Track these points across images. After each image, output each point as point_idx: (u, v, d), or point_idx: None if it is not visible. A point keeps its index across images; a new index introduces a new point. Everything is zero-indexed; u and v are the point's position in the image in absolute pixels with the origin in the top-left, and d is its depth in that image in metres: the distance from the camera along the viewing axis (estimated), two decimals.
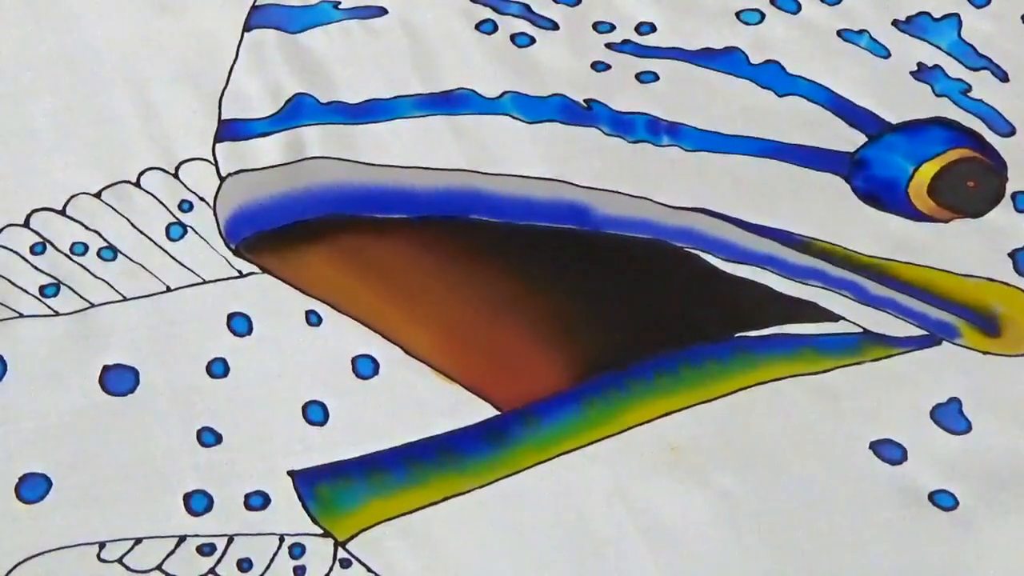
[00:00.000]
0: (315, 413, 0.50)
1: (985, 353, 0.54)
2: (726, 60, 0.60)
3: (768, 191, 0.57)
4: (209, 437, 0.49)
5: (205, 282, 0.53)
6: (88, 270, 0.52)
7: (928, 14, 0.64)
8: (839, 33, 0.59)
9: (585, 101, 0.59)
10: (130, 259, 0.53)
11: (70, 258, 0.53)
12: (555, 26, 0.61)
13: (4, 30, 0.59)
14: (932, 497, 0.51)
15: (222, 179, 0.55)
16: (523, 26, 0.61)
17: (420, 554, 0.47)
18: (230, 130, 0.57)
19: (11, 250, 0.53)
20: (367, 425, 0.50)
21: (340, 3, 0.61)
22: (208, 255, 0.53)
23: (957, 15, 0.65)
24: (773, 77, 0.57)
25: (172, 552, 0.47)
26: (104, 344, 0.51)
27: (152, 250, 0.53)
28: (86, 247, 0.53)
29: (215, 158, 0.56)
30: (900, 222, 0.57)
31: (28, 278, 0.52)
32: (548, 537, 0.48)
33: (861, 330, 0.54)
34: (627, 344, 0.53)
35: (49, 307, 0.51)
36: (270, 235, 0.54)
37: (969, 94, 0.62)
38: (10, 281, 0.52)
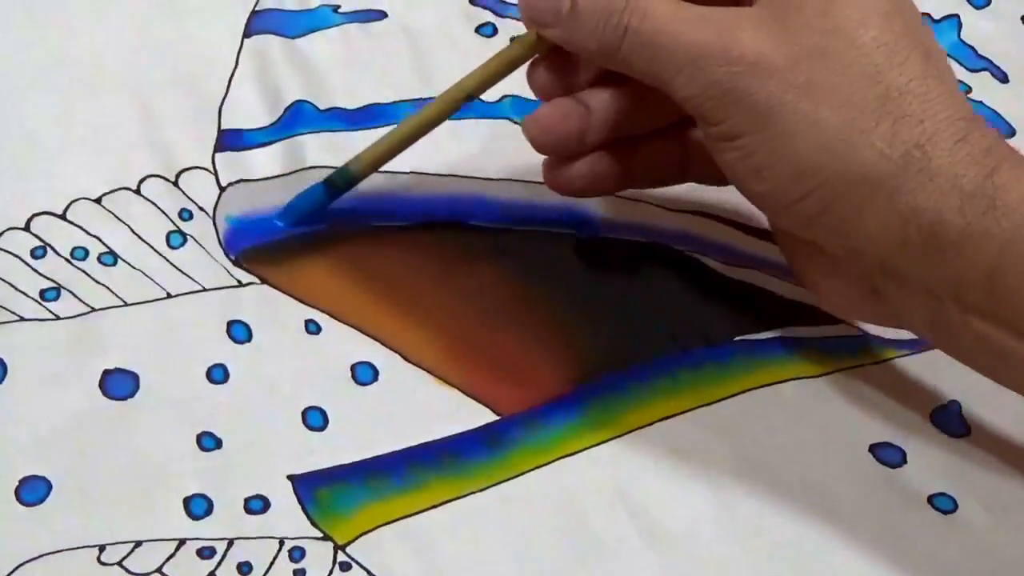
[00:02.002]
0: (314, 419, 0.50)
1: None
2: None
3: None
4: (209, 441, 0.49)
5: (205, 290, 0.53)
6: (89, 275, 0.52)
7: (928, 15, 0.64)
8: None
9: None
10: (131, 265, 0.53)
11: (71, 263, 0.53)
12: None
13: (3, 34, 0.59)
14: (931, 500, 0.51)
15: (222, 189, 0.56)
16: (523, 29, 0.61)
17: (420, 557, 0.47)
18: (229, 140, 0.57)
19: (12, 254, 0.53)
20: (367, 430, 0.50)
21: (340, 7, 0.62)
22: (208, 264, 0.53)
23: (957, 16, 0.65)
24: None
25: (172, 555, 0.47)
26: (104, 348, 0.51)
27: (153, 257, 0.53)
28: (87, 252, 0.53)
29: (215, 168, 0.56)
30: None
31: (29, 282, 0.52)
32: (549, 540, 0.48)
33: (861, 333, 0.54)
34: (627, 348, 0.53)
35: (50, 311, 0.51)
36: (269, 246, 0.54)
37: (969, 95, 0.62)
38: (11, 285, 0.52)
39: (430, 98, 0.58)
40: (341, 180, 0.54)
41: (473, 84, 0.52)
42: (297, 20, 0.61)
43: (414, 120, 0.53)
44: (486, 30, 0.61)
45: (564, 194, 0.53)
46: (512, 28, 0.61)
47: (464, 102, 0.52)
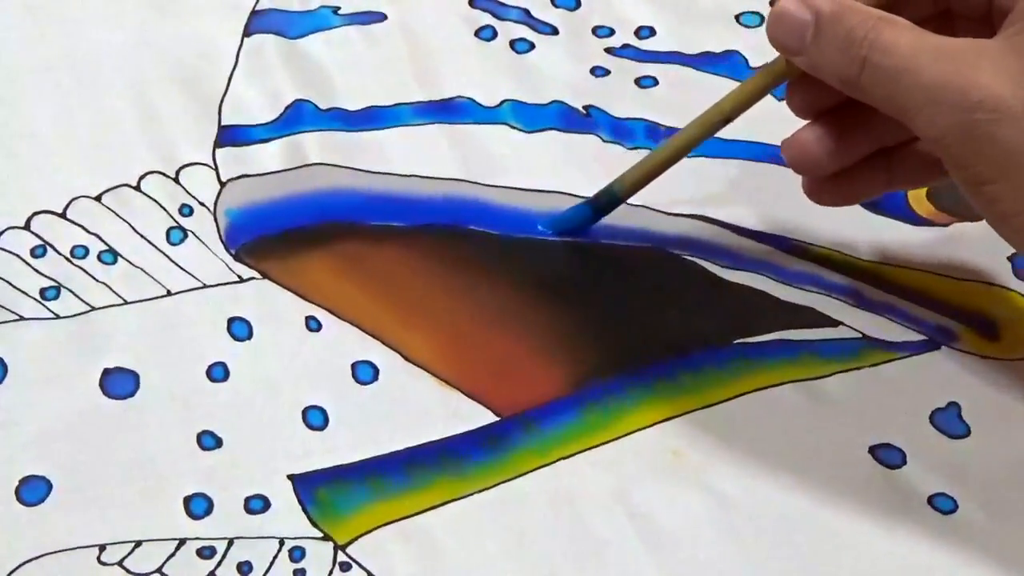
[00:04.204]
0: (315, 418, 0.50)
1: (984, 357, 0.54)
2: (726, 64, 0.60)
3: (767, 196, 0.57)
4: (209, 440, 0.49)
5: (205, 286, 0.53)
6: (89, 273, 0.53)
7: None
8: None
9: (584, 108, 0.59)
10: (131, 263, 0.53)
11: (71, 261, 0.53)
12: (555, 31, 0.62)
13: (4, 33, 0.59)
14: (931, 500, 0.50)
15: (222, 184, 0.56)
16: (523, 31, 0.61)
17: (420, 557, 0.47)
18: (230, 135, 0.57)
19: (12, 253, 0.53)
20: (367, 430, 0.50)
21: (340, 9, 0.62)
22: (208, 260, 0.54)
23: None
24: None
25: (172, 555, 0.47)
26: (104, 347, 0.51)
27: (153, 254, 0.53)
28: (87, 250, 0.53)
29: (215, 163, 0.56)
30: (899, 226, 0.57)
31: (29, 281, 0.52)
32: (548, 540, 0.48)
33: (860, 335, 0.54)
34: (626, 351, 0.53)
35: (50, 310, 0.51)
36: (270, 240, 0.55)
37: None
38: (11, 284, 0.52)
39: (430, 101, 0.58)
40: (605, 198, 0.55)
41: (729, 107, 0.52)
42: (297, 21, 0.61)
43: (673, 142, 0.53)
44: (485, 33, 0.61)
45: (826, 206, 0.52)
46: (512, 31, 0.61)
47: (721, 125, 0.52)
